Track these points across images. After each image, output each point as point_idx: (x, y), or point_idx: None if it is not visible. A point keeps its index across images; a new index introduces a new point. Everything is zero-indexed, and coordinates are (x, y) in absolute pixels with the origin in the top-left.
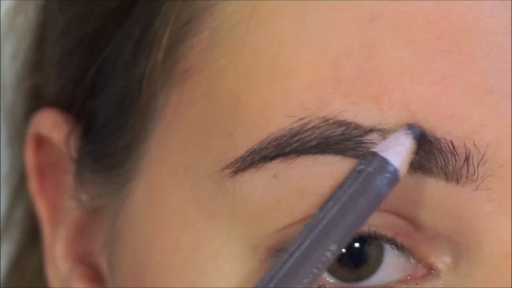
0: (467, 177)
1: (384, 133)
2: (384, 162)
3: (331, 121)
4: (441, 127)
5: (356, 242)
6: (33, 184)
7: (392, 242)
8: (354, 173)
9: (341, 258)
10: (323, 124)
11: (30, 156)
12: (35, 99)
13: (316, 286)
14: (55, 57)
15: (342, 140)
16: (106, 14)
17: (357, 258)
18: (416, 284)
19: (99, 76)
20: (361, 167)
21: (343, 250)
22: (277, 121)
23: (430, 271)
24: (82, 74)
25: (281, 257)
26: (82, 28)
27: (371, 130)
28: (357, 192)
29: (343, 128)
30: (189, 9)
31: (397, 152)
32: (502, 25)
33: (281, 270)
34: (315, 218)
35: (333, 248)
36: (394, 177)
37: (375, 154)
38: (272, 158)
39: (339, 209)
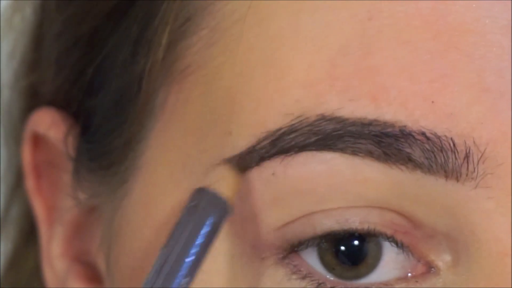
0: (467, 175)
1: (381, 128)
2: (214, 196)
3: (328, 117)
4: (440, 125)
5: (355, 239)
6: (30, 183)
7: (392, 239)
8: (189, 209)
9: (340, 256)
10: (320, 121)
11: (27, 155)
12: (32, 98)
13: (316, 284)
14: (52, 56)
15: (340, 136)
16: (104, 14)
17: (356, 255)
18: (416, 282)
19: (97, 75)
20: (193, 203)
21: (342, 247)
22: (274, 119)
23: (430, 269)
24: (80, 73)
25: None
26: (79, 28)
27: (368, 126)
28: (195, 227)
29: (340, 125)
30: (188, 8)
31: (225, 185)
32: (500, 24)
33: None
34: (161, 256)
35: (185, 280)
36: (226, 208)
37: (204, 190)
38: (270, 156)
39: (182, 246)
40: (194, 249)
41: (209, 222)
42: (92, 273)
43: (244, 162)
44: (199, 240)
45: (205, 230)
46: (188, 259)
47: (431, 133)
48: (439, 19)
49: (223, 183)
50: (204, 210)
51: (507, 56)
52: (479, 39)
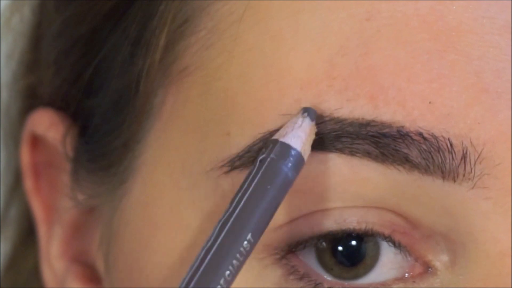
0: (464, 175)
1: (379, 128)
2: (285, 147)
3: (326, 118)
4: (437, 125)
5: (353, 240)
6: (28, 184)
7: (389, 239)
8: (258, 163)
9: (338, 256)
10: (319, 122)
11: (25, 156)
12: (30, 99)
13: (313, 285)
14: (51, 57)
15: (337, 137)
16: (103, 14)
17: (354, 256)
18: (414, 282)
19: (95, 76)
20: (264, 155)
21: (340, 248)
22: (273, 119)
23: (428, 269)
24: (79, 74)
25: (199, 253)
26: (78, 28)
27: (365, 127)
28: (263, 181)
29: (338, 125)
30: (186, 9)
31: (297, 135)
32: (498, 25)
33: (201, 266)
34: (226, 211)
35: (248, 238)
36: (298, 160)
37: (275, 141)
38: None
39: (248, 200)
40: (263, 203)
41: (279, 175)
42: (91, 273)
43: (242, 161)
44: (268, 194)
45: (275, 182)
46: (256, 215)
47: (429, 134)
48: (438, 20)
49: (297, 133)
50: (274, 162)
51: (505, 57)
52: (477, 40)
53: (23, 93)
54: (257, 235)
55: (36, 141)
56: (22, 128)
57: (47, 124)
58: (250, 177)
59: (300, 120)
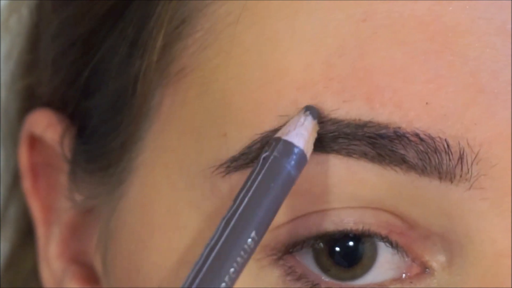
0: (460, 176)
1: (376, 129)
2: (288, 145)
3: (323, 119)
4: (434, 126)
5: (350, 240)
6: (26, 184)
7: (386, 240)
8: (261, 161)
9: (335, 257)
10: (318, 122)
11: (23, 156)
12: (28, 100)
13: (311, 285)
14: (49, 58)
15: (334, 138)
16: (100, 15)
17: (351, 256)
18: (411, 283)
19: (93, 77)
20: (267, 153)
21: (337, 248)
22: (270, 121)
23: (425, 269)
24: (76, 75)
25: (203, 251)
26: (76, 29)
27: (362, 128)
28: (267, 178)
29: (335, 126)
30: (183, 10)
31: (299, 133)
32: (495, 25)
33: (206, 264)
34: (230, 209)
35: (252, 235)
36: (301, 157)
37: (278, 139)
38: None
39: (252, 197)
40: (266, 201)
41: (282, 173)
42: (89, 274)
43: (239, 163)
44: (271, 192)
45: (278, 180)
46: (259, 212)
47: (425, 135)
48: (435, 20)
49: (300, 131)
50: (277, 160)
51: (502, 57)
52: (474, 40)
53: (21, 93)
54: (261, 232)
55: (34, 141)
56: (20, 128)
57: (45, 124)
58: (253, 175)
59: (302, 118)
